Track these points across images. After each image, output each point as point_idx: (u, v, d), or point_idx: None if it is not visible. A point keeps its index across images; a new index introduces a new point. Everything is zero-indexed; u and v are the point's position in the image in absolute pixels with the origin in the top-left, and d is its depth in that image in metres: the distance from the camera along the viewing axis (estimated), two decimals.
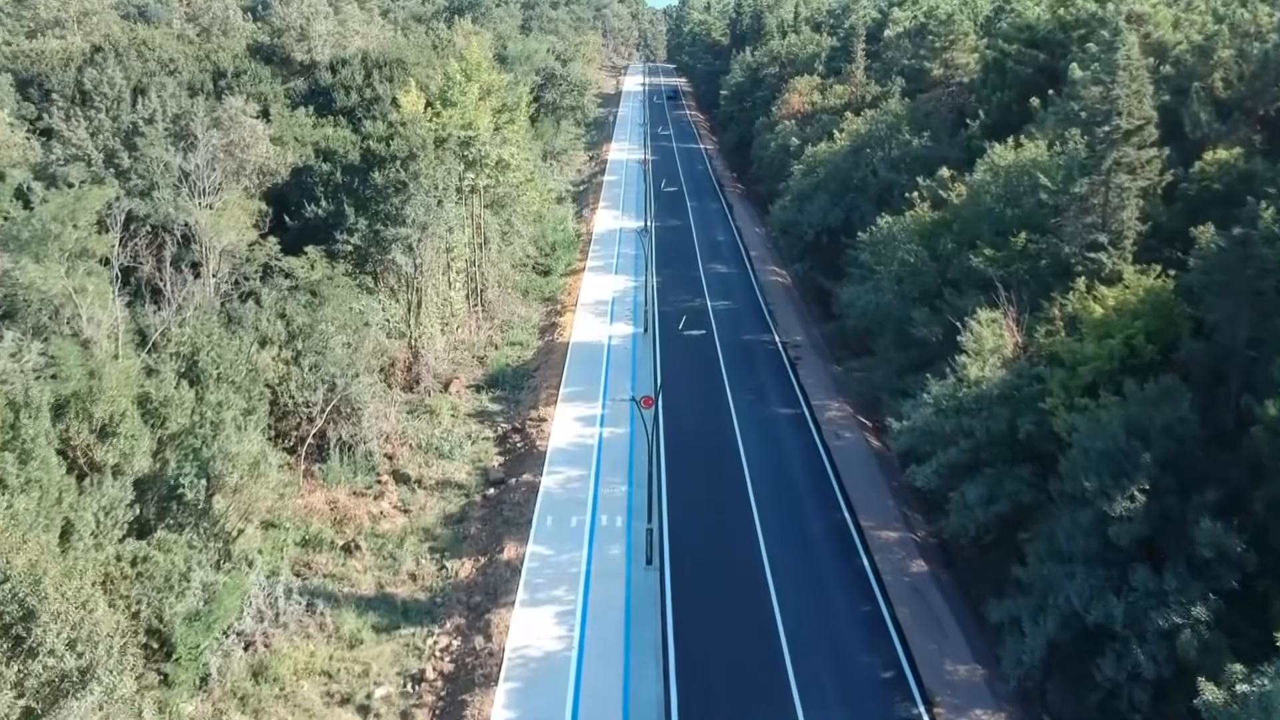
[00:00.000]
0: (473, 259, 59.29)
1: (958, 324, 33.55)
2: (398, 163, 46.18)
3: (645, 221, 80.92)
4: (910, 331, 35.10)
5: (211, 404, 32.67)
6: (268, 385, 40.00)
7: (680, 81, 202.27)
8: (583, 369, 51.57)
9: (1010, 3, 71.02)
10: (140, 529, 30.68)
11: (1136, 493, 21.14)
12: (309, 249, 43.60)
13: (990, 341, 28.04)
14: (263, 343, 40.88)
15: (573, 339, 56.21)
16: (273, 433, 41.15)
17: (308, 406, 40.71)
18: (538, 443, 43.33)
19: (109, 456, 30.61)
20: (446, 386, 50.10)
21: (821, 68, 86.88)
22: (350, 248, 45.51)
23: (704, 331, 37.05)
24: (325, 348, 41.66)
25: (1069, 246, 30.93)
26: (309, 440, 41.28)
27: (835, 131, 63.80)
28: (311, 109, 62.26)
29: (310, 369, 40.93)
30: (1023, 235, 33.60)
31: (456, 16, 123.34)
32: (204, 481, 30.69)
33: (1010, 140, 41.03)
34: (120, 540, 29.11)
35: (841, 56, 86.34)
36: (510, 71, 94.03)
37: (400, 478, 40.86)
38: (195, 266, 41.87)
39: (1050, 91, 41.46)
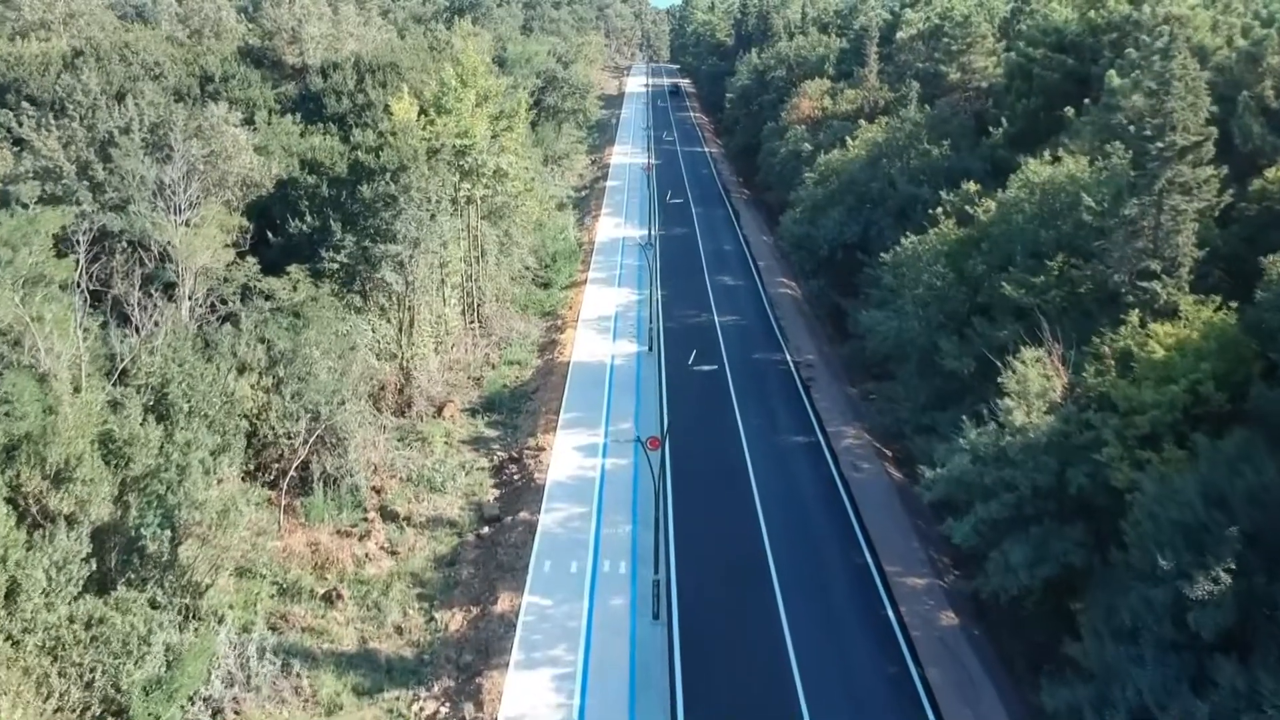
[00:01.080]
0: (469, 273, 56.62)
1: (991, 356, 30.87)
2: (387, 175, 43.46)
3: (649, 230, 78.28)
4: (938, 362, 32.34)
5: (179, 444, 29.98)
6: (245, 415, 37.44)
7: (685, 82, 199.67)
8: (584, 392, 48.85)
9: (1030, 4, 68.43)
10: (100, 583, 28.07)
11: (1222, 574, 18.43)
12: (292, 268, 40.89)
13: (1037, 384, 25.29)
14: (241, 369, 38.26)
15: (573, 358, 53.48)
16: (252, 465, 38.63)
17: (289, 438, 38.05)
18: (535, 475, 40.60)
19: (64, 505, 27.93)
20: (440, 411, 47.39)
21: (831, 70, 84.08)
22: (337, 265, 42.77)
23: (716, 366, 34.44)
24: (309, 374, 38.99)
25: (1117, 274, 28.15)
26: (291, 473, 38.64)
27: (848, 138, 61.07)
28: (300, 116, 59.62)
29: (292, 397, 38.27)
30: (1060, 258, 30.83)
31: (456, 17, 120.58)
32: (168, 531, 28.05)
33: (1044, 153, 38.35)
34: (75, 598, 26.50)
35: (852, 59, 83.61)
36: (510, 75, 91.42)
37: (388, 514, 38.15)
38: (170, 288, 39.20)
39: (1086, 100, 38.65)
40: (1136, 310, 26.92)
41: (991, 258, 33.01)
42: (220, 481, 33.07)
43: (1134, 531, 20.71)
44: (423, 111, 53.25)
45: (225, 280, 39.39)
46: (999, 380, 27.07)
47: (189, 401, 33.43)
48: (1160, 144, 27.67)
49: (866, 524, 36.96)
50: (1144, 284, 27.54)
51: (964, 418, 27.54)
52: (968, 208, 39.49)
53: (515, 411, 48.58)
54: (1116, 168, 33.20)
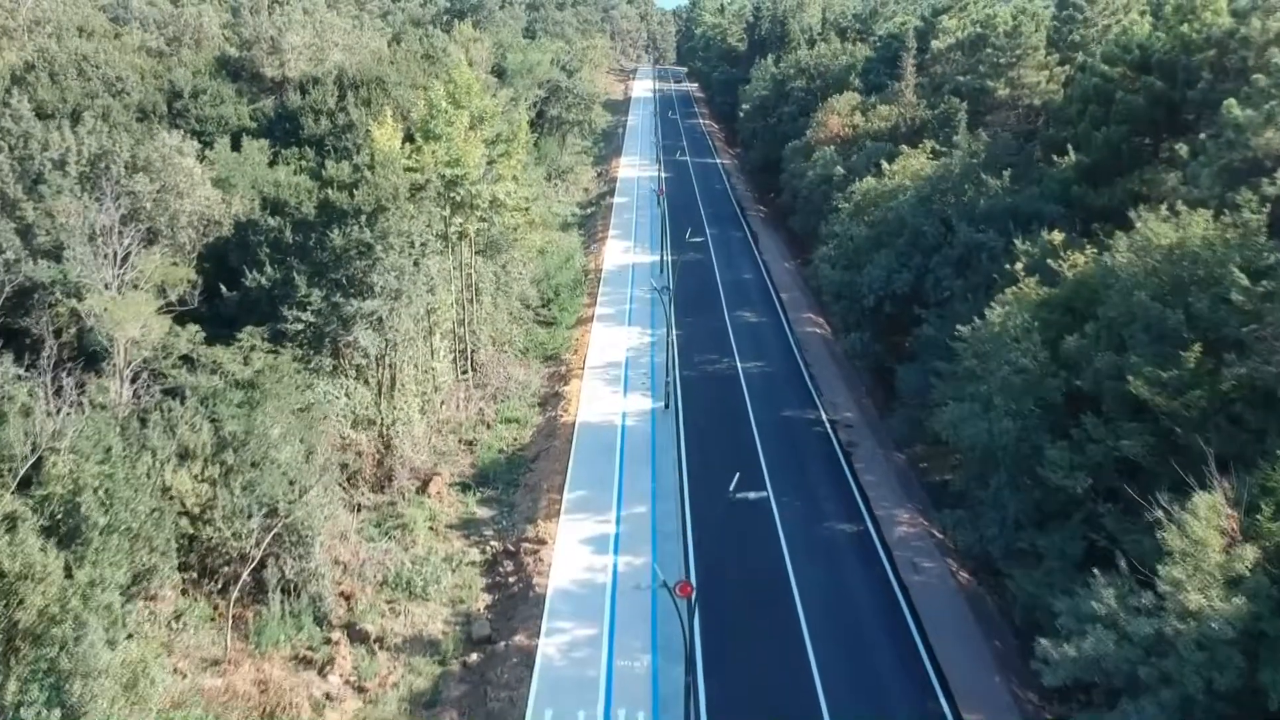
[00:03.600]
0: (461, 317, 50.23)
1: (1111, 468, 24.44)
2: (362, 218, 37.06)
3: (661, 256, 71.99)
4: (1039, 472, 25.86)
5: (80, 584, 23.64)
6: (186, 513, 31.21)
7: (693, 87, 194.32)
8: (591, 462, 42.39)
9: (1084, 12, 61.99)
10: None
11: None
12: (245, 332, 34.40)
13: (1216, 552, 18.79)
14: (183, 456, 32.00)
15: (579, 417, 47.01)
16: (195, 572, 32.37)
17: (239, 539, 31.70)
18: (535, 578, 34.15)
19: None
20: (425, 485, 40.98)
21: (858, 82, 77.49)
22: (301, 325, 36.35)
23: (764, 494, 28.37)
24: (265, 458, 32.70)
25: None
26: (244, 577, 32.30)
27: (884, 162, 54.55)
28: (274, 139, 53.30)
29: (243, 489, 31.95)
30: (1196, 348, 24.35)
31: (456, 20, 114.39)
32: (58, 711, 21.71)
33: (1152, 206, 31.85)
34: None
35: (880, 69, 77.12)
36: (510, 86, 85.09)
37: (357, 634, 31.73)
38: (97, 358, 32.90)
39: (1202, 136, 32.16)
40: None
41: (1101, 339, 26.48)
42: (138, 623, 26.92)
43: None
44: (409, 138, 46.86)
45: (164, 352, 32.92)
46: (1147, 520, 20.55)
47: (107, 513, 27.04)
48: None
49: (935, 649, 30.50)
50: None
51: (1095, 571, 21.08)
52: (1050, 262, 33.01)
53: (512, 485, 42.16)
54: (1250, 224, 26.79)
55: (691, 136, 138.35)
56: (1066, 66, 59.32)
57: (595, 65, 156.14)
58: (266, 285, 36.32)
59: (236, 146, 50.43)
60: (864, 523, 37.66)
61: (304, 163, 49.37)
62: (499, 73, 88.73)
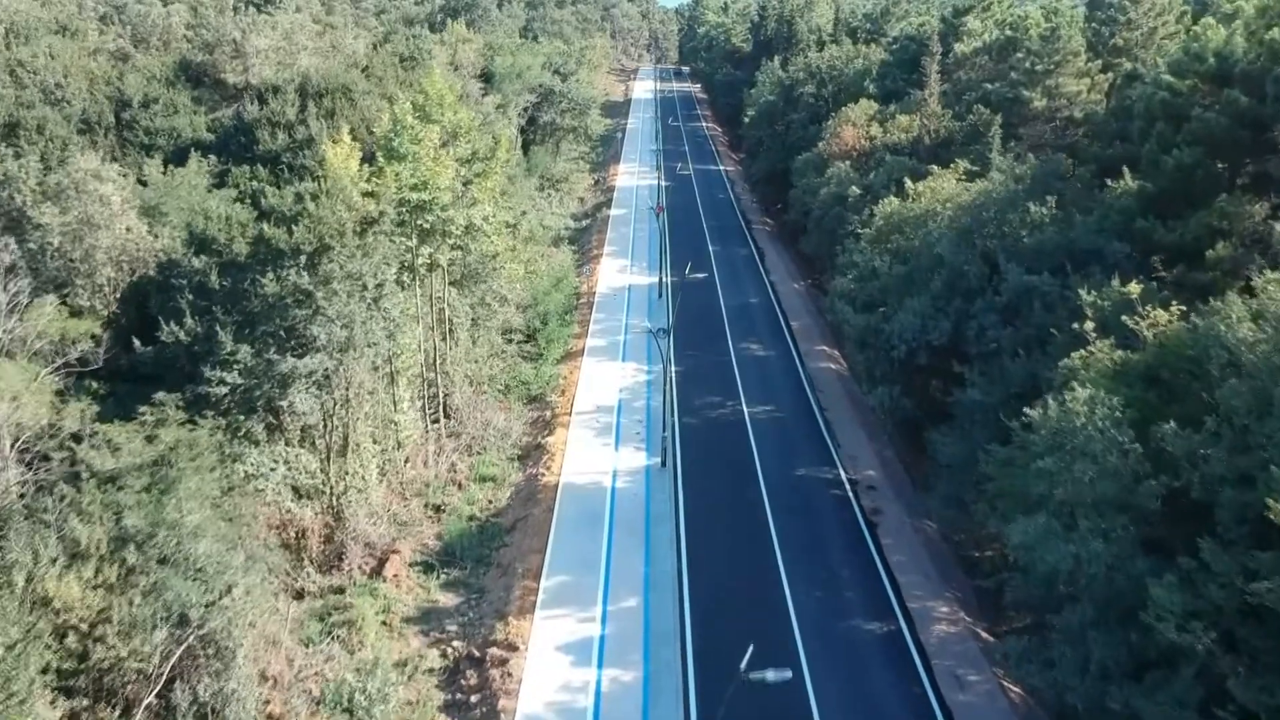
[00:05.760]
0: (431, 359, 44.44)
1: (1227, 607, 18.62)
2: (301, 260, 31.25)
3: (662, 279, 66.24)
4: (1139, 616, 20.04)
5: None
6: (73, 628, 25.58)
7: (696, 88, 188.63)
8: (575, 537, 36.55)
9: (1127, 14, 56.22)
10: None
11: None
12: (155, 399, 28.59)
13: None
14: (73, 557, 26.33)
15: (563, 476, 41.17)
16: (87, 696, 26.66)
17: (139, 659, 26.01)
18: (501, 700, 28.28)
19: None
20: (380, 565, 35.21)
21: (873, 88, 71.60)
22: (226, 389, 30.55)
23: (790, 673, 22.82)
24: (176, 553, 27.02)
25: None
26: (149, 700, 26.61)
27: (907, 181, 48.65)
28: (226, 155, 47.66)
29: (145, 595, 26.28)
30: None
31: (450, 19, 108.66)
32: None
33: (1232, 243, 26.10)
34: None
35: (896, 74, 71.24)
36: (498, 91, 79.41)
37: None
38: None
39: None
40: None
41: (1221, 436, 20.63)
42: None
43: None
44: (370, 157, 41.06)
45: (50, 430, 27.17)
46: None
47: None
48: None
49: None
50: None
51: None
52: (1126, 319, 27.19)
53: (484, 563, 36.37)
54: None
55: (694, 141, 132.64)
56: (1109, 74, 53.65)
57: (594, 66, 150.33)
58: (186, 340, 30.48)
59: (183, 163, 44.83)
60: (895, 620, 31.83)
61: (255, 183, 43.65)
62: (486, 77, 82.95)
